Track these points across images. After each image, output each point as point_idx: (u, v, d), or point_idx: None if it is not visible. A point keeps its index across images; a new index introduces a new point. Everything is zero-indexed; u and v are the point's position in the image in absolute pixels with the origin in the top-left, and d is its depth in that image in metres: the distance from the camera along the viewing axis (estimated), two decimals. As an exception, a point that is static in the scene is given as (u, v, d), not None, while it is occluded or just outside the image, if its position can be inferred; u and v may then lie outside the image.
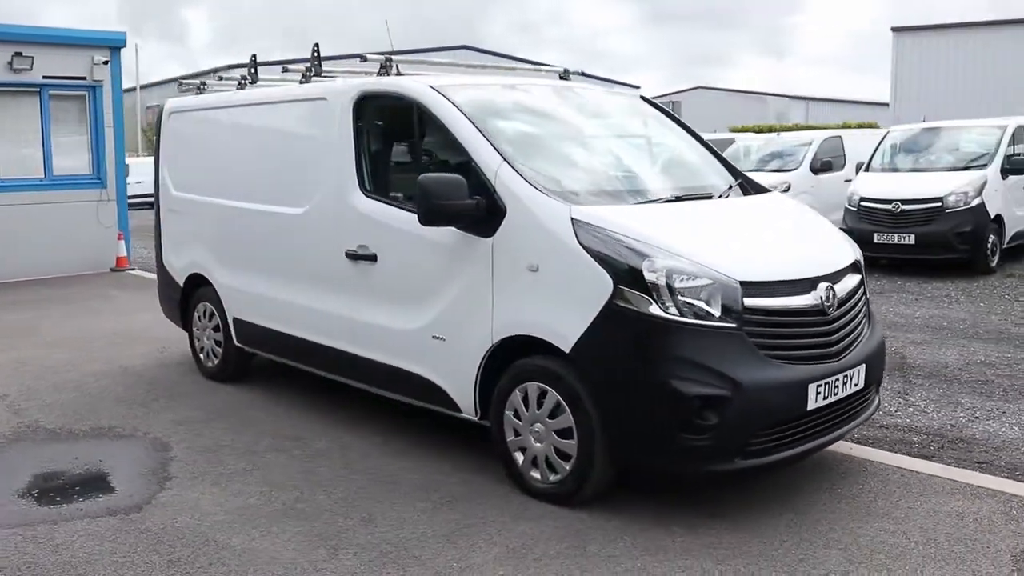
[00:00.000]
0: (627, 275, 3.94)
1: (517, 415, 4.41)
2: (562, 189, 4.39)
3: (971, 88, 34.42)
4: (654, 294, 3.90)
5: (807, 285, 4.25)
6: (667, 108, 5.88)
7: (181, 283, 6.95)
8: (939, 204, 11.51)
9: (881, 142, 13.55)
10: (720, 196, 4.99)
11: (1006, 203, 12.03)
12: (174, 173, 7.01)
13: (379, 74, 5.31)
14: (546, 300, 4.18)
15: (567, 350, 4.10)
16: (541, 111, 5.18)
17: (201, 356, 6.87)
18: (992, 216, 11.67)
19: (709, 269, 3.98)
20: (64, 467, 4.99)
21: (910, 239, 11.59)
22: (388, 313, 5.01)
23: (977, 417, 5.84)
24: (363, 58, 5.68)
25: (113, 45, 12.88)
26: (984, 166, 12.01)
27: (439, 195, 4.32)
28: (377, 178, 5.14)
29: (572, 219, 4.13)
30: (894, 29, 38.42)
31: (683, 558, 3.75)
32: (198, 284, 6.80)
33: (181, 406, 6.10)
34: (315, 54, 5.80)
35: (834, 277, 4.42)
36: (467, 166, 4.52)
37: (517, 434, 4.45)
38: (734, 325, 3.94)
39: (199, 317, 6.84)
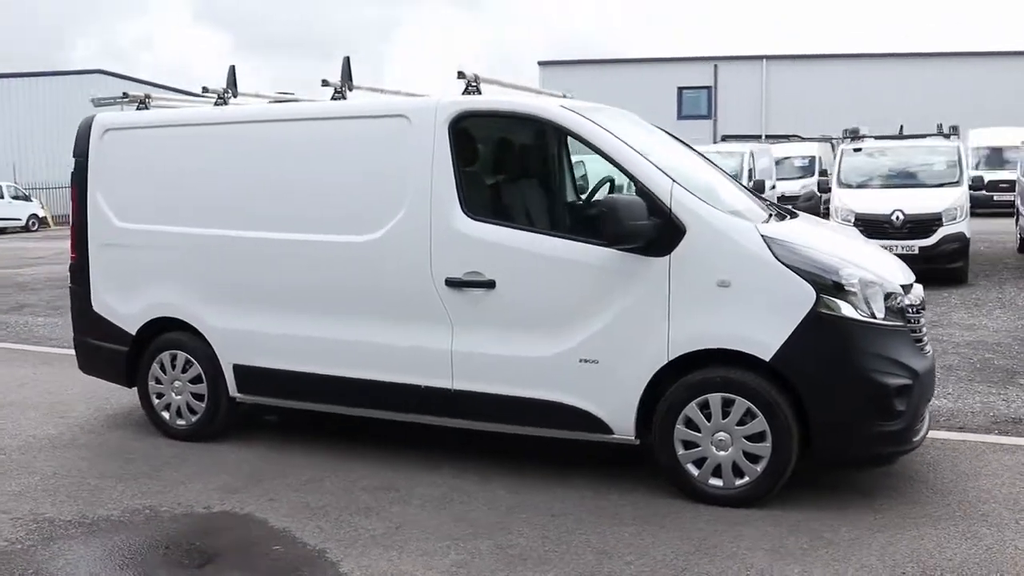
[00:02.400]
0: (828, 284, 4.33)
1: (691, 427, 4.55)
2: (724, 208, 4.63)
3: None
4: (852, 300, 4.33)
5: (910, 287, 4.96)
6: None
7: (133, 331, 5.86)
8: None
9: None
10: (787, 216, 5.49)
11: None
12: (117, 201, 5.89)
13: (468, 92, 5.07)
14: (740, 313, 4.40)
15: (767, 358, 4.36)
16: (642, 133, 5.32)
17: (165, 415, 5.85)
18: (747, 228, 13.65)
19: (880, 276, 4.51)
20: (170, 560, 4.09)
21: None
22: (511, 342, 4.82)
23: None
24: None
25: None
26: (735, 185, 14.01)
27: (629, 216, 4.34)
28: (492, 200, 4.92)
29: (762, 236, 4.41)
30: (540, 63, 42.42)
31: (903, 530, 4.21)
32: (160, 331, 5.81)
33: (199, 473, 5.20)
34: (346, 69, 5.34)
35: None
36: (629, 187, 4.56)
37: (687, 447, 4.58)
38: (902, 323, 4.51)
39: (161, 368, 5.82)
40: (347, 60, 5.41)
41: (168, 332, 5.80)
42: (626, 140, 4.68)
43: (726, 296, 4.43)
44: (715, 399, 4.50)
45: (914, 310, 4.83)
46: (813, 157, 25.07)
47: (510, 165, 5.27)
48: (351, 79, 5.37)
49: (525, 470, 5.12)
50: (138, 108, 5.99)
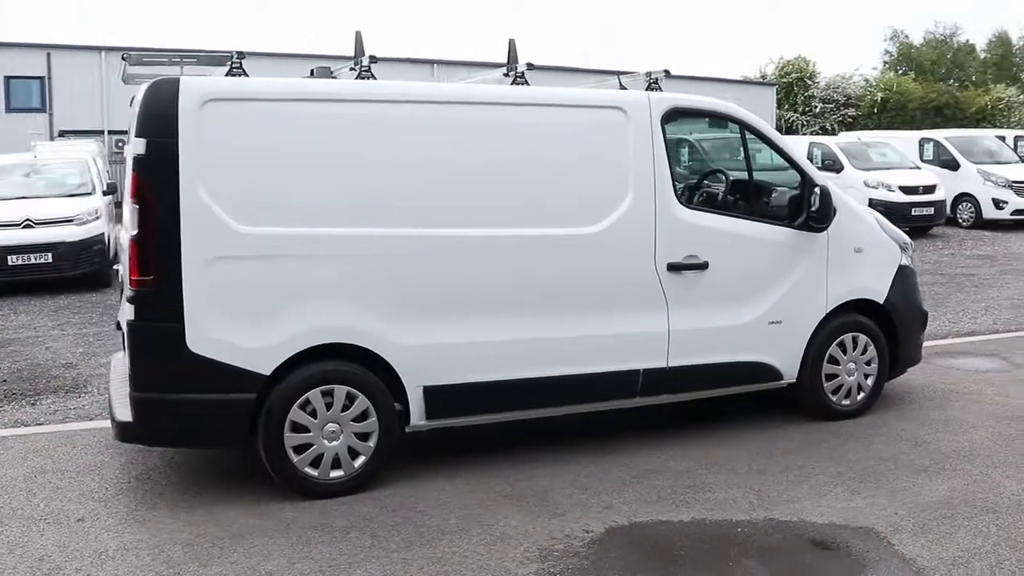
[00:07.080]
0: (903, 244, 6.14)
1: (832, 362, 5.86)
2: None
3: None
4: (909, 253, 6.23)
5: None
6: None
7: (268, 370, 4.33)
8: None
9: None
10: None
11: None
12: (236, 198, 4.21)
13: (650, 88, 5.30)
14: (867, 270, 5.90)
15: (881, 301, 5.96)
16: None
17: (312, 472, 4.52)
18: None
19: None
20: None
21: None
22: (717, 314, 5.41)
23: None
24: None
25: None
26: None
27: (834, 202, 5.47)
28: (698, 189, 5.31)
29: (871, 213, 5.99)
30: None
31: (965, 399, 6.30)
32: (298, 365, 4.45)
33: (482, 515, 4.42)
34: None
35: None
36: (794, 179, 5.61)
37: (828, 379, 5.89)
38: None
39: (308, 411, 4.48)
40: (512, 41, 5.03)
41: (317, 363, 4.50)
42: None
43: (859, 259, 5.88)
44: (847, 338, 5.91)
45: None
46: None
47: (708, 156, 5.65)
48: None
49: (674, 432, 5.69)
50: (230, 73, 4.36)
